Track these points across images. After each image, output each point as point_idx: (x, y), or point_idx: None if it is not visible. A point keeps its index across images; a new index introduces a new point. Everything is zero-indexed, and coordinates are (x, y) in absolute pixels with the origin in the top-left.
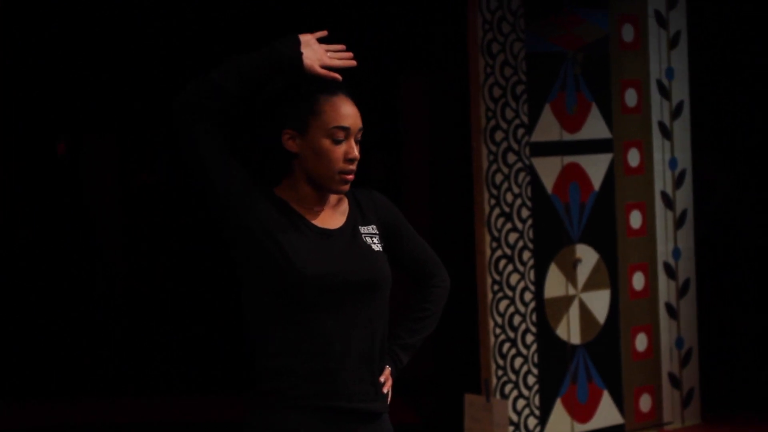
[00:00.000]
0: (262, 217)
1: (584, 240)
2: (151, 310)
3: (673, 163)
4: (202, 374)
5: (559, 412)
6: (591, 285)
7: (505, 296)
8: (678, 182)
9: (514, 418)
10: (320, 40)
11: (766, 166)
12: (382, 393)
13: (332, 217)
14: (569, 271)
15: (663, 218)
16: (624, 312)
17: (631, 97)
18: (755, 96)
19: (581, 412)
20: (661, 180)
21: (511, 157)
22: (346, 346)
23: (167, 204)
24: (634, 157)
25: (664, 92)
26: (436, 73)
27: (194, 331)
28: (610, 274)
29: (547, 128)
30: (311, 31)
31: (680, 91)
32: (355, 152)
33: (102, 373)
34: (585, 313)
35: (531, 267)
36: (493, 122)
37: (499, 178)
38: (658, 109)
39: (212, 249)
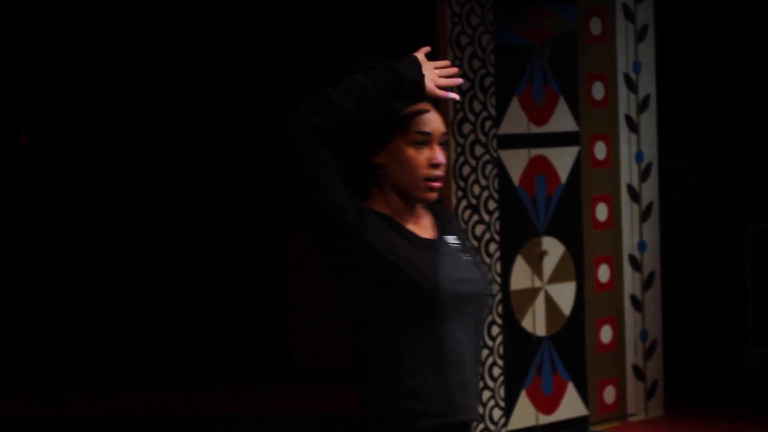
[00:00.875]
0: (378, 233)
1: (550, 232)
2: (119, 300)
3: (639, 156)
4: (169, 365)
5: (524, 403)
6: (557, 277)
7: None
8: (644, 175)
9: (479, 409)
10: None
11: (730, 160)
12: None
13: (427, 228)
14: (535, 263)
15: (629, 211)
16: (589, 304)
17: (598, 91)
18: (721, 90)
19: (546, 403)
20: (628, 173)
21: (479, 150)
22: (470, 357)
23: (136, 195)
24: (600, 150)
25: (631, 86)
26: None
27: (161, 322)
28: (576, 266)
29: (515, 121)
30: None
31: (647, 84)
32: (440, 157)
33: (69, 362)
34: (550, 305)
35: (497, 259)
36: (461, 115)
37: (466, 170)
38: (625, 103)
39: (177, 241)
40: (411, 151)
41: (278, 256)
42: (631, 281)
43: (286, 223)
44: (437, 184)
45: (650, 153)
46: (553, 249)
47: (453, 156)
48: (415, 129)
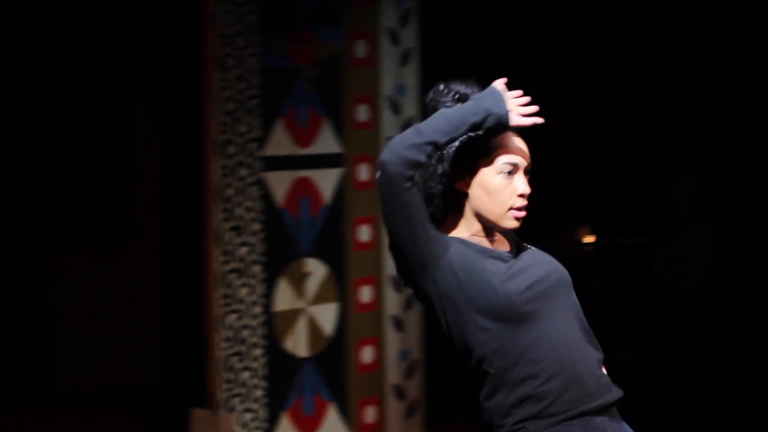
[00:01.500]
0: (461, 259)
1: (314, 253)
2: None
3: None
4: None
5: (285, 424)
6: (320, 298)
7: (235, 310)
8: None
9: (241, 431)
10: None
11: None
12: (611, 381)
13: (504, 245)
14: (298, 284)
15: None
16: (351, 325)
17: (362, 113)
18: None
19: (307, 424)
20: None
21: (243, 171)
22: (575, 347)
23: None
24: (364, 172)
25: (395, 108)
26: (169, 87)
27: None
28: (339, 287)
29: (280, 143)
30: None
31: (411, 107)
32: (527, 187)
33: None
34: (313, 326)
35: (261, 280)
36: (226, 136)
37: (230, 191)
38: (389, 125)
39: None
40: (498, 180)
41: (39, 278)
42: (392, 302)
43: (48, 243)
44: (522, 214)
45: None
46: (317, 270)
47: (217, 177)
48: (504, 159)
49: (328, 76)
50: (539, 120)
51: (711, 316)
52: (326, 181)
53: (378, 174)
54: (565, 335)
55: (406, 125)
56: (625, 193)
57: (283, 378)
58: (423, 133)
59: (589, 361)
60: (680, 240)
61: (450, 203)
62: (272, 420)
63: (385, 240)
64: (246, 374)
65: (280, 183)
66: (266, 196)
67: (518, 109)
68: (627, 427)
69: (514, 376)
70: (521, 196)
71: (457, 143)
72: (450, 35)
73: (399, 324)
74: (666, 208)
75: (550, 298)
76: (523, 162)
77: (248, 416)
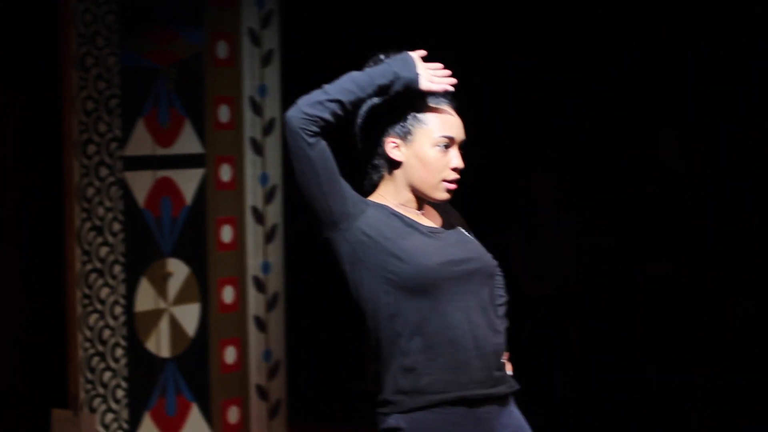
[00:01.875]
0: (377, 222)
1: (176, 254)
2: None
3: (264, 178)
4: None
5: (147, 425)
6: (182, 299)
7: (96, 310)
8: (269, 197)
9: None
10: None
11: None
12: (508, 375)
13: (431, 219)
14: (160, 285)
15: (253, 233)
16: (213, 325)
17: (224, 113)
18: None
19: (170, 425)
20: (252, 195)
21: (104, 171)
22: (472, 334)
23: None
24: (226, 173)
25: (257, 109)
26: (27, 86)
27: None
28: (201, 287)
29: (140, 143)
30: None
31: (272, 108)
32: (461, 162)
33: None
34: (175, 326)
35: (122, 281)
36: (85, 136)
37: (90, 191)
38: (251, 126)
39: None
40: (434, 153)
41: None
42: (255, 302)
43: None
44: (454, 186)
45: (275, 175)
46: (179, 270)
47: (77, 177)
48: (441, 133)
49: (190, 76)
50: (450, 86)
51: (571, 317)
52: (188, 182)
53: (285, 131)
54: (465, 320)
55: (268, 126)
56: (485, 193)
57: (145, 378)
58: (328, 91)
59: (485, 350)
60: (540, 241)
61: (383, 170)
62: (134, 420)
63: (247, 241)
64: (107, 375)
65: (141, 183)
66: (127, 196)
67: (429, 74)
68: (520, 416)
69: (405, 345)
70: (454, 169)
71: (389, 113)
72: (311, 37)
73: (261, 324)
74: (526, 208)
75: (462, 281)
76: (459, 136)
77: (110, 417)
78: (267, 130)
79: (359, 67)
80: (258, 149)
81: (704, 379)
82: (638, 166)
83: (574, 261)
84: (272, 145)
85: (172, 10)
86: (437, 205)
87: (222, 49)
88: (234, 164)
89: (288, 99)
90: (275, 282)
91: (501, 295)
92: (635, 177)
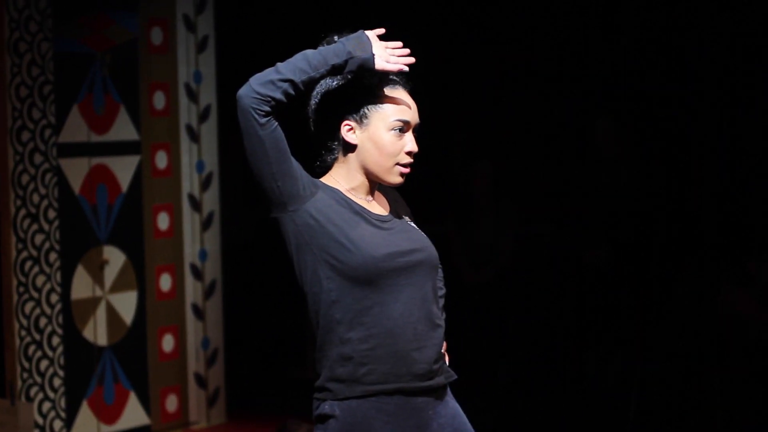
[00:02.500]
0: (326, 208)
1: (112, 241)
2: None
3: (200, 165)
4: None
5: (85, 413)
6: (118, 286)
7: (31, 298)
8: (205, 185)
9: (40, 420)
10: None
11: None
12: (447, 366)
13: (380, 206)
14: (96, 272)
15: (190, 220)
16: (151, 313)
17: (159, 100)
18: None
19: (108, 413)
20: (189, 182)
21: (38, 158)
22: (413, 326)
23: None
24: (161, 160)
25: (192, 96)
26: None
27: None
28: (138, 275)
29: (75, 129)
30: None
31: (208, 94)
32: (415, 146)
33: None
34: (112, 314)
35: (57, 268)
36: (19, 122)
37: (25, 178)
38: (186, 113)
39: None
40: (389, 136)
41: None
42: (192, 290)
43: None
44: (407, 170)
45: (211, 163)
46: (115, 258)
47: (12, 164)
48: (396, 116)
49: (125, 62)
50: (405, 66)
51: (509, 304)
52: (123, 169)
53: (237, 109)
54: (407, 312)
55: (204, 113)
56: (423, 181)
57: (82, 367)
58: (280, 70)
59: (424, 342)
60: (478, 228)
61: (337, 153)
62: (72, 409)
63: (184, 228)
64: (44, 363)
65: (76, 170)
66: (62, 184)
67: (386, 54)
68: (455, 405)
69: (344, 332)
70: (409, 153)
71: (344, 95)
72: (246, 23)
73: (199, 312)
74: (464, 196)
75: (406, 273)
76: (414, 120)
77: (47, 405)
78: (203, 117)
79: (294, 53)
80: (194, 136)
81: (643, 366)
82: (575, 154)
83: (512, 249)
84: (208, 132)
85: None
86: (386, 193)
87: (157, 36)
88: (170, 151)
89: (224, 85)
90: (212, 269)
91: (440, 287)
92: (572, 165)
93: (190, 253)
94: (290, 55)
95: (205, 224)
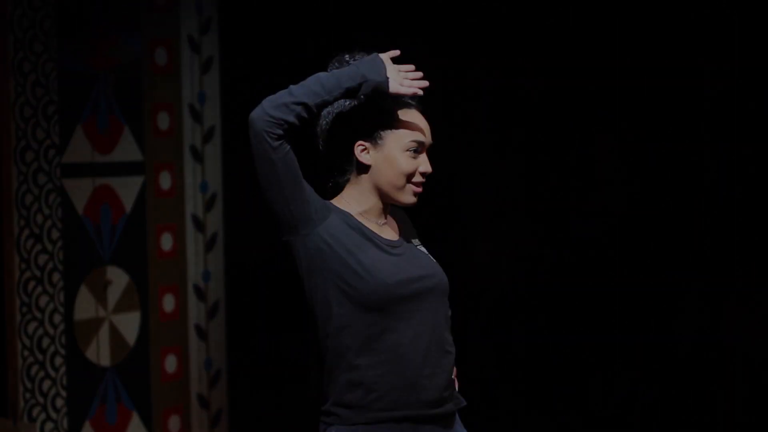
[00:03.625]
0: (338, 232)
1: (115, 262)
2: None
3: (204, 186)
4: None
5: None
6: (122, 307)
7: (34, 318)
8: (209, 205)
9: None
10: None
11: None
12: (456, 393)
13: (391, 231)
14: (100, 293)
15: (193, 241)
16: (154, 334)
17: (163, 121)
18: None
19: None
20: (192, 203)
21: (42, 178)
22: (423, 353)
23: None
24: (165, 180)
25: (196, 116)
26: None
27: None
28: (141, 296)
29: (79, 149)
30: None
31: (212, 115)
32: (429, 167)
33: None
34: (115, 335)
35: (61, 289)
36: (23, 142)
37: (29, 199)
38: (190, 133)
39: None
40: (404, 157)
41: None
42: (196, 311)
43: None
44: (420, 190)
45: (215, 183)
46: (118, 278)
47: (15, 184)
48: (411, 137)
49: (129, 82)
50: (419, 90)
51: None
52: (127, 189)
53: (249, 131)
54: (417, 338)
55: (208, 133)
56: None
57: (85, 387)
58: (294, 93)
59: (434, 371)
60: (476, 248)
61: (349, 174)
62: (74, 430)
63: (187, 249)
64: (47, 383)
65: (79, 190)
66: (66, 204)
67: (400, 77)
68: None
69: (353, 358)
70: (422, 174)
71: (358, 117)
72: (250, 43)
73: (202, 333)
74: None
75: (418, 299)
76: (428, 141)
77: (50, 426)
78: (207, 137)
79: (299, 74)
80: (198, 156)
81: (645, 390)
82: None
83: (511, 268)
84: (212, 152)
85: (111, 16)
86: (397, 217)
87: (161, 56)
88: (174, 172)
89: (228, 106)
90: (216, 290)
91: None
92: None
93: (193, 273)
94: (295, 76)
95: (209, 245)
